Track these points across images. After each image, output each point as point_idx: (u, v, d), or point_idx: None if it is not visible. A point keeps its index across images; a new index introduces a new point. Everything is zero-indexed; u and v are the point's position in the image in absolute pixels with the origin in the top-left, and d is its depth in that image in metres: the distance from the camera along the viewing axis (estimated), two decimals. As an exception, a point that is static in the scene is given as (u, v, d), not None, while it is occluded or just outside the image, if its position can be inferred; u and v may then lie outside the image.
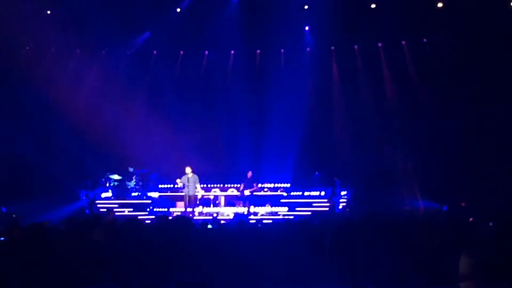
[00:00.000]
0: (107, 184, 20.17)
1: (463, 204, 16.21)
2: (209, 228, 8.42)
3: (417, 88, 20.96)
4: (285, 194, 19.86)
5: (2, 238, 8.00)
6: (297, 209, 18.91)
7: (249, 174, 19.61)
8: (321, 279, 5.38)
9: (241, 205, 19.41)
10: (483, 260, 4.63)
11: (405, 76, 21.23)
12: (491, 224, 7.58)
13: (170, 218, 8.42)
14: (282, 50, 22.32)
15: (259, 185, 19.76)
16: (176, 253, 6.07)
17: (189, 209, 18.26)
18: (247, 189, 19.40)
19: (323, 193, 19.58)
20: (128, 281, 5.61)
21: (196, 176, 18.42)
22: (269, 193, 20.03)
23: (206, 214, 18.66)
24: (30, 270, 5.42)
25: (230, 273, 5.62)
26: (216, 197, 20.12)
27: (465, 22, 18.73)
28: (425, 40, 21.02)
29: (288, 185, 20.46)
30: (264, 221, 16.04)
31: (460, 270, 4.66)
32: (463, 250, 4.86)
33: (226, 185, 20.46)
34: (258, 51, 22.61)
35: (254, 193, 19.39)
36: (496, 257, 4.68)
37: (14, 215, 16.63)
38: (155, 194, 20.23)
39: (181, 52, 22.80)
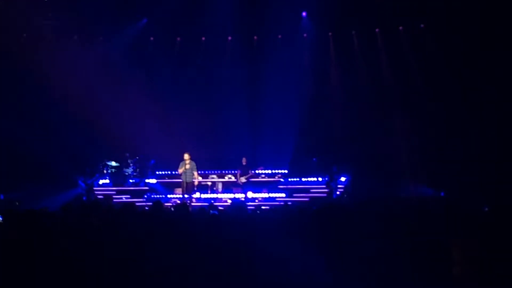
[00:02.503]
0: (105, 171, 20.24)
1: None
2: (207, 214, 8.44)
3: (414, 73, 20.91)
4: (282, 180, 19.91)
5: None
6: (294, 195, 18.99)
7: (244, 160, 19.67)
8: (316, 266, 5.42)
9: (239, 191, 19.44)
10: (477, 245, 4.66)
11: (402, 62, 21.16)
12: (486, 209, 7.62)
13: (166, 204, 8.45)
14: (280, 36, 22.20)
15: (257, 171, 19.84)
16: (173, 239, 6.10)
17: (186, 196, 18.29)
18: (242, 175, 19.47)
19: (320, 179, 19.63)
20: (125, 266, 5.63)
21: (193, 163, 18.42)
22: (266, 179, 20.09)
23: (203, 201, 18.71)
24: (27, 256, 5.43)
25: (225, 258, 5.65)
26: (213, 183, 20.17)
27: (464, 7, 18.67)
28: (422, 26, 20.94)
29: (286, 171, 20.44)
30: (262, 207, 16.06)
31: (454, 256, 4.69)
32: (458, 235, 4.89)
33: (223, 172, 20.49)
34: (255, 37, 22.50)
35: (251, 179, 19.47)
36: (491, 242, 4.71)
37: (17, 203, 16.67)
38: (152, 181, 20.29)
39: (178, 38, 22.67)
